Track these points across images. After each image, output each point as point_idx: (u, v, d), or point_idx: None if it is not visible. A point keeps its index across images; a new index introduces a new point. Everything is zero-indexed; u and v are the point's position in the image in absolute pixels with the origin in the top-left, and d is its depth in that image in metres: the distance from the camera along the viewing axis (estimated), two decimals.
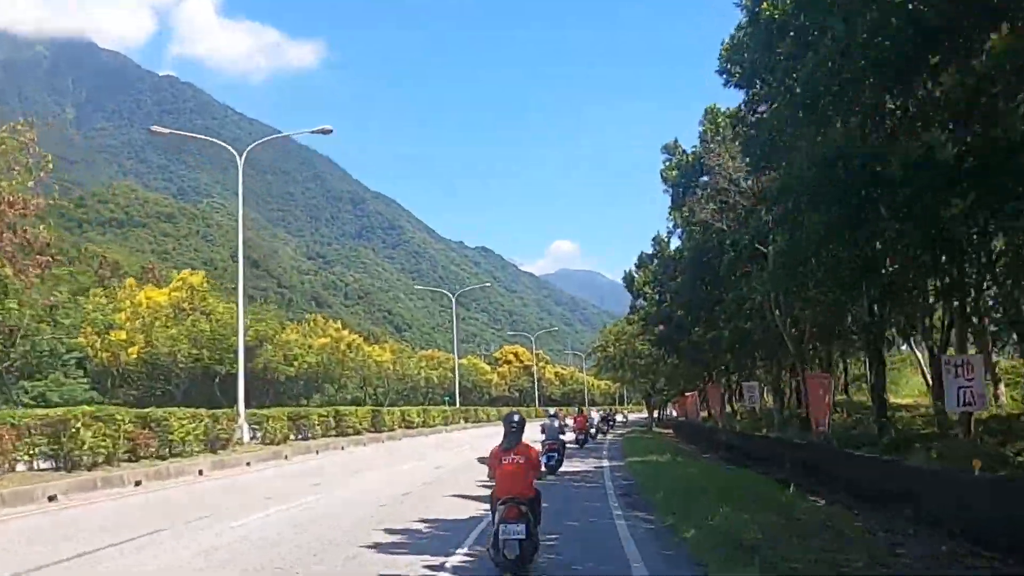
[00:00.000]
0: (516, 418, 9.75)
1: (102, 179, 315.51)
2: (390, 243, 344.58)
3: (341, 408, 37.94)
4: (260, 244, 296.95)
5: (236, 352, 55.36)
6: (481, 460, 10.30)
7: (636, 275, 45.95)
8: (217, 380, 54.74)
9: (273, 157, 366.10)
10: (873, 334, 19.64)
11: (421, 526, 13.54)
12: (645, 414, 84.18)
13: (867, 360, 20.98)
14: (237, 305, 31.43)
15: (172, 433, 21.83)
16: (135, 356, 45.05)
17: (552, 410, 28.37)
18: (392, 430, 43.19)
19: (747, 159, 20.91)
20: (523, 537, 8.64)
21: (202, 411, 24.71)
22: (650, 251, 44.40)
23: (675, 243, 39.02)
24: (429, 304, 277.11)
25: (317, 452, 30.72)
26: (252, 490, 19.35)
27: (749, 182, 26.98)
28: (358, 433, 37.68)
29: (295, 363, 59.01)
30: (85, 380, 46.83)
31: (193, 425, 22.90)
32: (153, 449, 21.33)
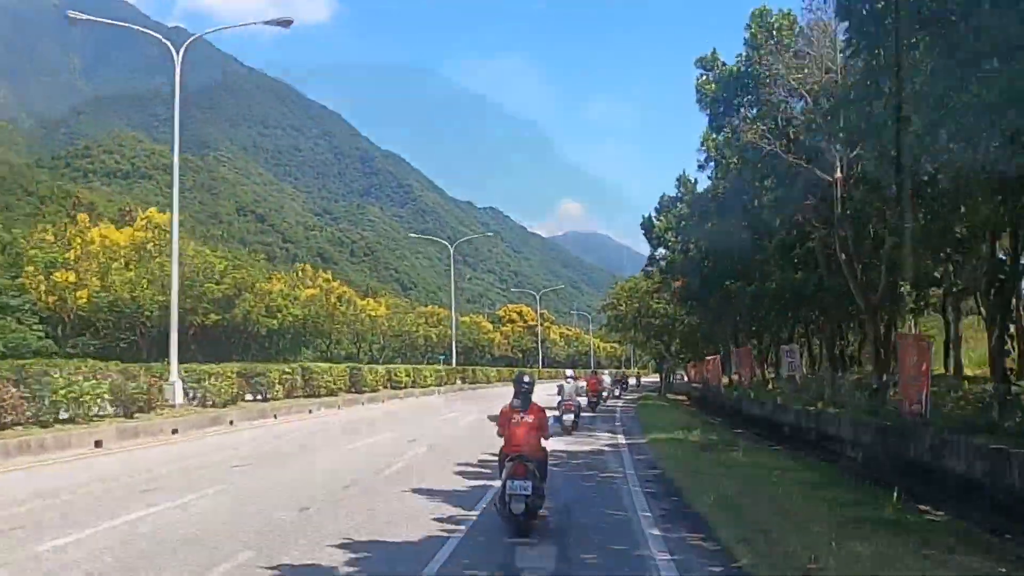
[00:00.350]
0: (527, 379, 9.99)
1: (109, 130, 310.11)
2: (398, 201, 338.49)
3: (311, 365, 32.51)
4: (267, 199, 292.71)
5: (214, 300, 50.64)
6: (491, 418, 10.26)
7: (656, 220, 39.70)
8: (192, 331, 49.49)
9: (282, 113, 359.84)
10: (1005, 276, 14.03)
11: (340, 561, 8.11)
12: (654, 378, 78.67)
13: (988, 316, 15.30)
14: (172, 233, 26.05)
15: (56, 392, 16.41)
16: (85, 301, 39.53)
17: (570, 371, 24.05)
18: (376, 391, 37.83)
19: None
20: (528, 494, 8.65)
21: (111, 365, 19.34)
22: (673, 193, 38.56)
23: (704, 183, 33.22)
24: (436, 263, 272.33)
25: (275, 417, 25.36)
26: (142, 474, 13.96)
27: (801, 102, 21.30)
28: (332, 394, 32.29)
29: (279, 315, 53.54)
30: (39, 327, 41.44)
31: (91, 383, 17.44)
32: (30, 414, 15.94)
